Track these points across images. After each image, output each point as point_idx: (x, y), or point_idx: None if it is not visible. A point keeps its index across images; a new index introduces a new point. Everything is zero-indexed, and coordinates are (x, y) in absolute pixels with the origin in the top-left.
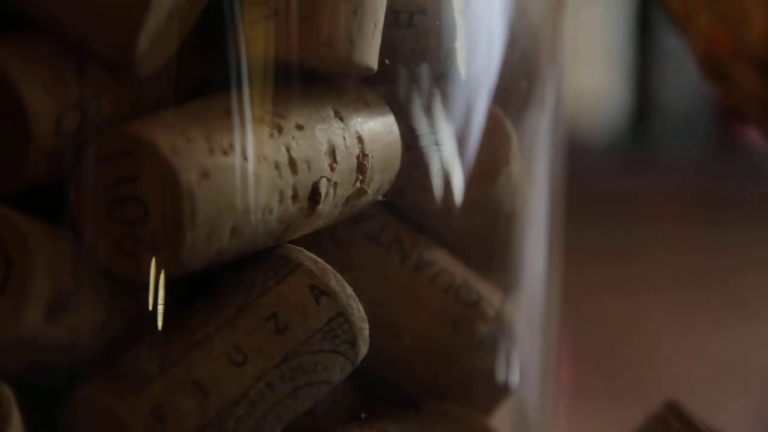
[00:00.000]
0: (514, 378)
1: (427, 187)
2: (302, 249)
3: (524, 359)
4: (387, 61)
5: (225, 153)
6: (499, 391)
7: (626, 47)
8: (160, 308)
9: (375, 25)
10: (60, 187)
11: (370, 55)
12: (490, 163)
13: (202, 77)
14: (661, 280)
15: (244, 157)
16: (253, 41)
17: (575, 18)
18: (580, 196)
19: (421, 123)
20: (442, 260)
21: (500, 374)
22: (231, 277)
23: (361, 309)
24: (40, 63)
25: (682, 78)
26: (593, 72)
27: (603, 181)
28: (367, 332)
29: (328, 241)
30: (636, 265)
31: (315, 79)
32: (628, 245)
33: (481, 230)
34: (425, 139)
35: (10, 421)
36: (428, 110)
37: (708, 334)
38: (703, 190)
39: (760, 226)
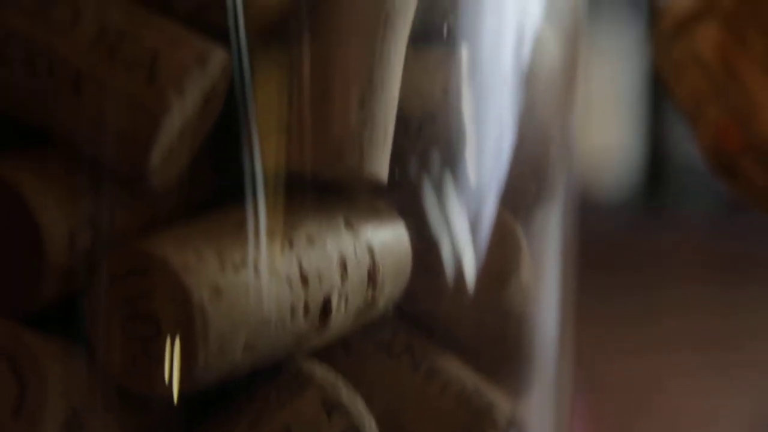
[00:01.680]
0: None
1: (438, 292)
2: (314, 361)
3: None
4: (397, 170)
5: (236, 269)
6: None
7: (640, 104)
8: (175, 425)
9: (385, 136)
10: (74, 303)
11: (381, 166)
12: (500, 269)
13: (214, 190)
14: (679, 342)
15: (256, 273)
16: (266, 153)
17: (589, 74)
18: (596, 256)
19: (430, 229)
20: (453, 367)
21: None
22: (244, 391)
23: (373, 423)
24: (53, 180)
25: None
26: (607, 129)
27: (617, 240)
28: None
29: (339, 351)
30: (653, 327)
31: (326, 190)
32: (644, 307)
33: (492, 334)
34: (435, 245)
35: None
36: (438, 216)
37: (727, 397)
38: (720, 249)
39: None
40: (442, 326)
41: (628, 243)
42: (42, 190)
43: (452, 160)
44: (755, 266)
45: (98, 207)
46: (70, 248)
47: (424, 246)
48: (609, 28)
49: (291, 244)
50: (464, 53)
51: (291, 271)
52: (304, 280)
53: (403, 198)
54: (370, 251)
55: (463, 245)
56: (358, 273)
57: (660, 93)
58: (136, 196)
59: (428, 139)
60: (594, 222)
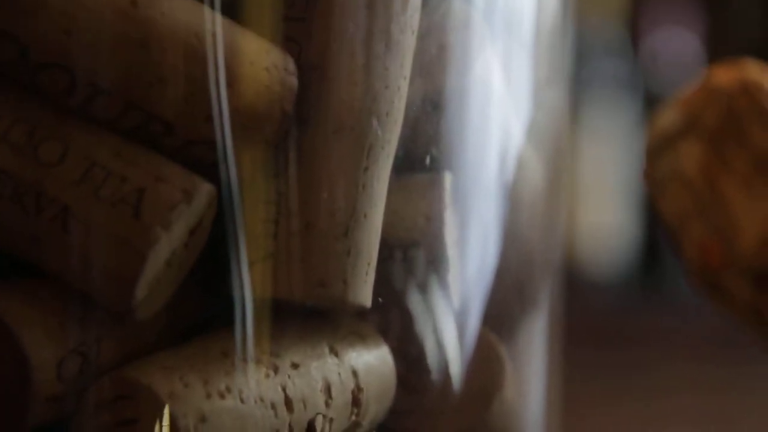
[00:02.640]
0: None
1: (421, 411)
2: None
3: None
4: (380, 299)
5: (222, 396)
6: None
7: (637, 184)
8: None
9: (368, 264)
10: (62, 429)
11: (364, 294)
12: (483, 389)
13: (200, 317)
14: (677, 422)
15: (241, 400)
16: (252, 281)
17: (584, 155)
18: (594, 336)
19: (413, 353)
20: None
21: None
22: None
23: None
24: (41, 309)
25: None
26: (604, 208)
27: (613, 319)
28: None
29: None
30: (649, 406)
31: (310, 316)
32: (644, 387)
33: None
34: (418, 369)
35: None
36: (422, 339)
37: None
38: (717, 328)
39: None
40: None
41: (623, 323)
42: (31, 319)
43: (436, 285)
44: (751, 345)
45: (86, 335)
46: (59, 377)
47: (408, 367)
48: (606, 108)
49: (276, 370)
50: (447, 179)
51: (275, 397)
52: (289, 405)
53: (387, 320)
54: (354, 374)
55: (447, 367)
56: (342, 396)
57: None
58: (123, 326)
59: (412, 264)
60: (590, 301)
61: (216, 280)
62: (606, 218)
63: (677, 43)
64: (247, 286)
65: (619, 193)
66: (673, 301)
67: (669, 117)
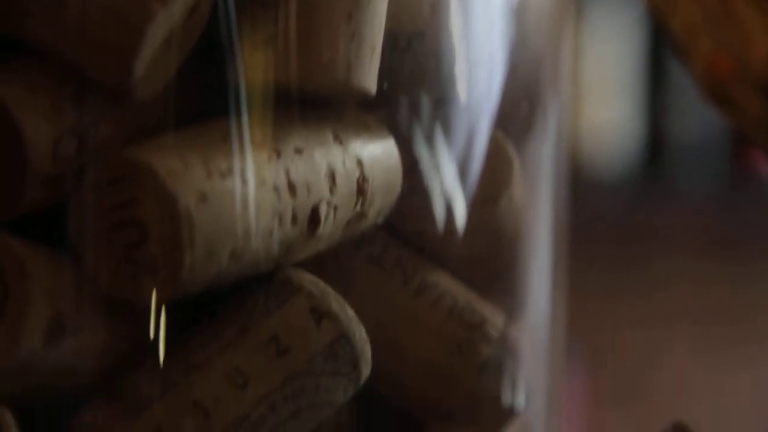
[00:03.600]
0: (520, 401)
1: (428, 211)
2: (303, 271)
3: (530, 382)
4: (385, 85)
5: (223, 176)
6: (504, 414)
7: (639, 82)
8: (161, 331)
9: (373, 49)
10: (59, 212)
11: (368, 79)
12: (491, 186)
13: (200, 102)
14: (679, 316)
15: (243, 181)
16: (252, 66)
17: (588, 54)
18: (597, 232)
19: (421, 147)
20: (445, 283)
21: (505, 397)
22: (232, 300)
23: (363, 331)
24: (37, 88)
25: (696, 112)
26: (606, 107)
27: (618, 216)
28: (369, 354)
29: (331, 264)
30: (654, 301)
31: (314, 104)
32: (645, 281)
33: (484, 254)
34: (426, 164)
35: None
36: (428, 134)
37: (726, 370)
38: (719, 224)
39: None
40: (434, 245)
41: (628, 219)
42: (26, 98)
43: (442, 78)
44: (756, 240)
45: (83, 116)
46: (55, 156)
47: (414, 164)
48: (608, 7)
49: (278, 155)
50: None
51: (278, 180)
52: (292, 189)
53: (393, 115)
54: (359, 164)
55: (454, 163)
56: (347, 184)
57: (659, 71)
58: (122, 107)
59: (417, 55)
60: (594, 199)
61: (216, 66)
62: (609, 116)
63: None
64: (245, 73)
65: (621, 91)
66: (675, 198)
67: None
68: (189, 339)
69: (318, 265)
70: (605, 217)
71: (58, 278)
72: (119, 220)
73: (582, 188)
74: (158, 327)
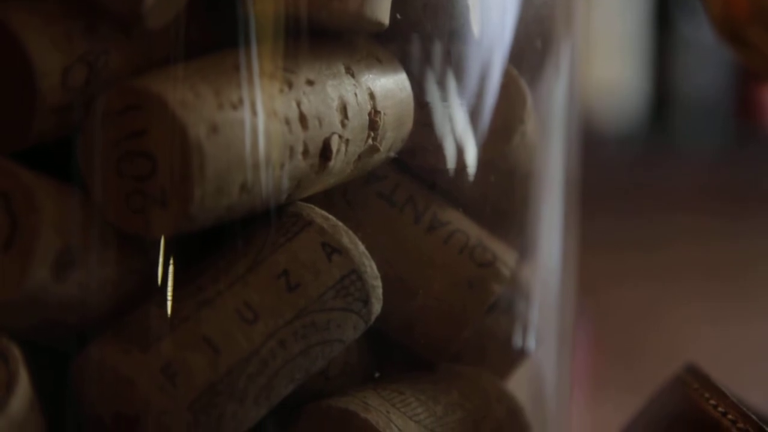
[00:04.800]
0: (531, 341)
1: (440, 146)
2: (314, 206)
3: (541, 323)
4: (398, 16)
5: (234, 107)
6: (515, 355)
7: (645, 38)
8: (170, 265)
9: None
10: (68, 143)
11: (382, 10)
12: (504, 122)
13: (211, 33)
14: (681, 270)
15: (254, 112)
16: None
17: (594, 9)
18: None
19: (433, 81)
20: (457, 220)
21: (516, 337)
22: (241, 234)
23: (374, 267)
24: (47, 18)
25: (701, 69)
26: (612, 63)
27: (622, 172)
28: (380, 290)
29: (340, 200)
30: (656, 255)
31: (326, 35)
32: (648, 236)
33: (497, 190)
34: (438, 98)
35: (17, 379)
36: (441, 68)
37: (727, 324)
38: (722, 181)
39: None
40: (445, 181)
41: (633, 174)
42: (36, 26)
43: (456, 11)
44: (758, 197)
45: (93, 45)
46: (64, 85)
47: (426, 99)
48: None
49: (290, 86)
50: None
51: (290, 112)
52: (303, 121)
53: (405, 48)
54: (371, 96)
55: (467, 98)
56: (358, 117)
57: (665, 26)
58: (132, 38)
59: None
60: (599, 154)
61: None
62: (615, 72)
63: None
64: (254, 1)
65: (628, 48)
66: (679, 154)
67: None
68: (198, 274)
69: (326, 201)
70: (609, 172)
71: (67, 210)
72: (128, 150)
73: (586, 143)
74: (167, 262)
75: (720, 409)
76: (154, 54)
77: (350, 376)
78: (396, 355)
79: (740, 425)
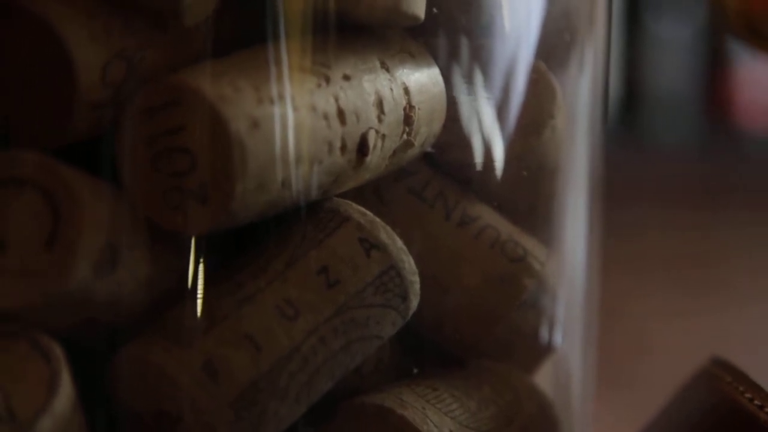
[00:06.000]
0: (557, 336)
1: (470, 142)
2: (350, 202)
3: (566, 318)
4: (435, 10)
5: (273, 103)
6: (541, 349)
7: (616, 33)
8: (208, 262)
9: None
10: (103, 141)
11: (418, 4)
12: (535, 116)
13: (245, 29)
14: (650, 263)
15: (294, 107)
16: None
17: None
18: None
19: (462, 76)
20: (487, 216)
21: (543, 332)
22: (279, 231)
23: (412, 262)
24: (87, 13)
25: (671, 64)
26: None
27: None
28: (417, 286)
29: (372, 196)
30: (624, 248)
31: (359, 30)
32: (617, 229)
33: (527, 185)
34: (468, 93)
35: (60, 379)
36: (472, 63)
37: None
38: (692, 175)
39: (747, 210)
40: (474, 177)
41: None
42: (76, 22)
43: (486, 4)
44: (727, 191)
45: (131, 41)
46: (103, 81)
47: (458, 94)
48: None
49: (327, 81)
50: None
51: (328, 107)
52: (341, 116)
53: (436, 42)
54: (406, 91)
55: (498, 93)
56: (394, 112)
57: (636, 21)
58: (168, 34)
59: None
60: None
61: None
62: None
63: None
64: None
65: None
66: (648, 150)
67: None
68: (237, 270)
69: (359, 197)
70: None
71: (109, 207)
72: (167, 147)
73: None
74: (206, 258)
75: (756, 402)
76: (189, 50)
77: (384, 373)
78: (426, 351)
79: None
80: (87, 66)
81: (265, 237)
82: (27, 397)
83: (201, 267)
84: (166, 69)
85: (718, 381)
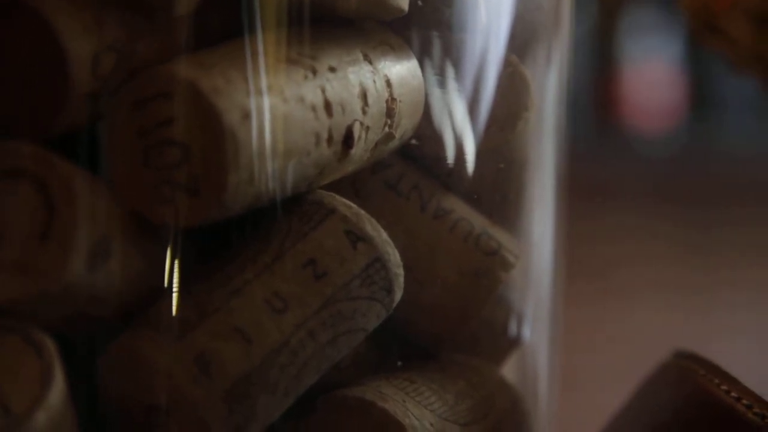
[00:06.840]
0: (525, 329)
1: (445, 134)
2: (334, 194)
3: (534, 311)
4: (419, 3)
5: (262, 94)
6: (509, 342)
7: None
8: (198, 255)
9: None
10: (92, 133)
11: None
12: (512, 108)
13: (232, 19)
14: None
15: (283, 99)
16: None
17: None
18: None
19: (437, 69)
20: (460, 209)
21: (511, 325)
22: (265, 223)
23: (397, 255)
24: (79, 4)
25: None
26: None
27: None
28: (402, 278)
29: (348, 190)
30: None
31: (342, 22)
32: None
33: (500, 177)
34: (442, 86)
35: (53, 373)
36: (444, 56)
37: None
38: (579, 173)
39: (637, 215)
40: (448, 169)
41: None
42: (68, 12)
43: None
44: (616, 194)
45: (122, 33)
46: (94, 72)
47: (431, 88)
48: None
49: (314, 73)
50: None
51: (315, 99)
52: (328, 108)
53: (411, 36)
54: (388, 84)
55: (471, 87)
56: (377, 104)
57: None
58: (156, 24)
59: None
60: None
61: None
62: None
63: None
64: None
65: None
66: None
67: None
68: (226, 262)
69: (333, 190)
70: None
71: (101, 200)
72: (157, 139)
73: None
74: (195, 251)
75: (733, 394)
76: (177, 42)
77: (361, 367)
78: (400, 346)
79: (756, 410)
80: (79, 56)
81: (251, 229)
82: (21, 391)
83: (191, 260)
84: (155, 60)
85: (691, 374)
